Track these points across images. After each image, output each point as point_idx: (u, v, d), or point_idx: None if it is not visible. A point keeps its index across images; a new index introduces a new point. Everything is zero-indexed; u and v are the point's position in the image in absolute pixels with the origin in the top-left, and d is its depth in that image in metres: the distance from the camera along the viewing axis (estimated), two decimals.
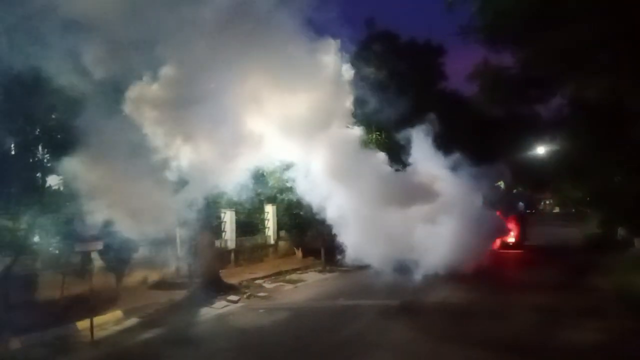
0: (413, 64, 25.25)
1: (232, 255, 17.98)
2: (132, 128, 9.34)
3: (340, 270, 17.01)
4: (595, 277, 13.65)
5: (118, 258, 12.67)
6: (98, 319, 9.68)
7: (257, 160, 11.82)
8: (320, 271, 17.57)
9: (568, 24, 4.56)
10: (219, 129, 9.92)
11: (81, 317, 9.58)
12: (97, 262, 12.33)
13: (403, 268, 14.03)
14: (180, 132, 9.74)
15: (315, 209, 13.40)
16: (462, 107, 25.23)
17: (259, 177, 17.33)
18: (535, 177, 29.00)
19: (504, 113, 17.59)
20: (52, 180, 11.96)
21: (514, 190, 30.00)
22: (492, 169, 17.82)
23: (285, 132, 11.39)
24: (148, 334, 9.49)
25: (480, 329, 9.18)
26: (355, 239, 14.14)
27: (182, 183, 10.21)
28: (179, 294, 12.70)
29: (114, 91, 9.56)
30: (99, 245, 9.66)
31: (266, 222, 20.59)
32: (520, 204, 30.27)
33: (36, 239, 11.53)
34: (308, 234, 19.93)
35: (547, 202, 52.66)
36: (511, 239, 21.82)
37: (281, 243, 21.06)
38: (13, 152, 11.48)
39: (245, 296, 12.87)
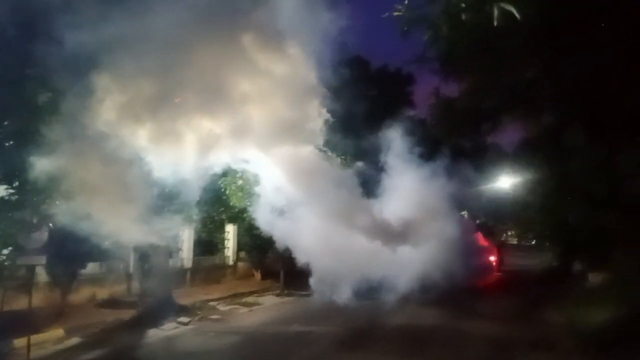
0: (383, 91, 25.55)
1: (188, 274, 17.53)
2: (85, 129, 9.01)
3: (299, 294, 16.76)
4: (548, 309, 13.80)
5: (65, 273, 12.16)
6: (37, 337, 9.25)
7: (215, 163, 11.51)
8: (278, 295, 17.27)
9: (512, 59, 4.64)
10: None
11: (19, 335, 9.07)
12: (43, 276, 11.83)
13: (368, 291, 13.94)
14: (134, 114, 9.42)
15: (271, 229, 13.19)
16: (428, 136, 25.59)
17: (221, 195, 17.11)
18: (497, 208, 29.47)
19: (458, 143, 17.84)
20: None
21: (477, 221, 30.46)
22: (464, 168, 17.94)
23: (244, 139, 11.13)
24: (88, 355, 9.11)
25: None
26: (317, 262, 14.00)
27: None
28: (128, 314, 12.22)
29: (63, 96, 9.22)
30: (42, 260, 9.22)
31: (226, 241, 20.22)
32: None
33: None
34: (268, 256, 19.63)
35: (509, 233, 53.59)
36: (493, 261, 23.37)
37: (240, 264, 20.68)
38: None
39: (197, 318, 12.50)
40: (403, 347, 10.00)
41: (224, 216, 18.51)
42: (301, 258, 14.22)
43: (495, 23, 4.02)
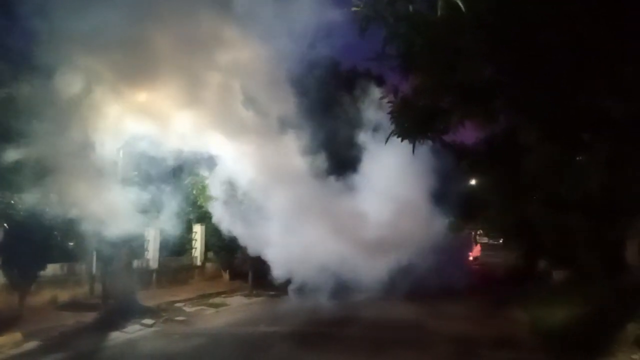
0: (352, 91, 25.57)
1: (154, 276, 17.16)
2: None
3: (268, 294, 16.65)
4: (513, 307, 14.01)
5: (23, 274, 11.74)
6: None
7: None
8: (246, 295, 17.08)
9: (467, 58, 4.67)
10: None
11: None
12: (0, 278, 11.42)
13: (340, 289, 13.88)
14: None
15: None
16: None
17: (189, 195, 16.84)
18: (465, 207, 29.90)
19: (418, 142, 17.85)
20: None
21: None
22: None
23: (208, 128, 10.95)
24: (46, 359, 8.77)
25: None
26: (284, 259, 13.90)
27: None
28: (90, 316, 11.85)
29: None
30: None
31: (194, 242, 19.89)
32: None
33: None
34: (237, 256, 19.40)
35: (478, 232, 54.43)
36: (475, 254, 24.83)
37: (208, 265, 20.36)
38: None
39: (161, 320, 12.21)
40: (368, 347, 9.98)
41: (191, 216, 18.25)
42: (267, 256, 14.13)
43: (439, 12, 4.03)
